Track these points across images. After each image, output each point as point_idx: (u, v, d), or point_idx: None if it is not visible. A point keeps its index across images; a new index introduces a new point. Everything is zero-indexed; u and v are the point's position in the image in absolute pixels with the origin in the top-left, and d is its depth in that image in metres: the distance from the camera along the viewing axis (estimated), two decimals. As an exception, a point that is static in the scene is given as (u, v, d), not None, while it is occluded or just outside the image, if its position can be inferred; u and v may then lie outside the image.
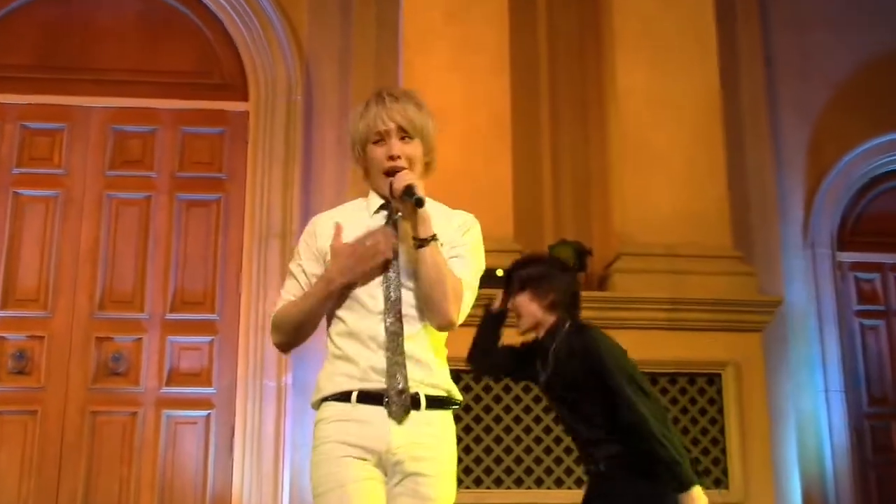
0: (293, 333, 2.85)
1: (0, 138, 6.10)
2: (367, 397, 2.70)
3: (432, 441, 2.74)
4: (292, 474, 5.64)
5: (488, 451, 5.19)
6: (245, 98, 6.24)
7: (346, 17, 6.34)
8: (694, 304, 5.36)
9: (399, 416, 2.69)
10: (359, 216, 2.89)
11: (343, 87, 6.23)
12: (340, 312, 2.80)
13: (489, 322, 3.79)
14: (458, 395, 2.85)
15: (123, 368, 5.82)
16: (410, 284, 2.77)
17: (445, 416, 2.80)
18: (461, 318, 2.78)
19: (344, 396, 2.73)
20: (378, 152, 2.83)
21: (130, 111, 6.20)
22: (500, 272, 3.78)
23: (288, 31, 6.30)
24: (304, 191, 6.03)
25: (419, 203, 2.69)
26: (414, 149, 2.84)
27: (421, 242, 2.71)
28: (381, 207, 2.87)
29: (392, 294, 2.76)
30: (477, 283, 2.86)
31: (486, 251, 5.10)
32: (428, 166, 2.89)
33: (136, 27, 6.36)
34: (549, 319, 3.58)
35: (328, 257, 2.82)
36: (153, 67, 6.29)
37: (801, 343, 6.22)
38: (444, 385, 2.79)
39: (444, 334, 2.82)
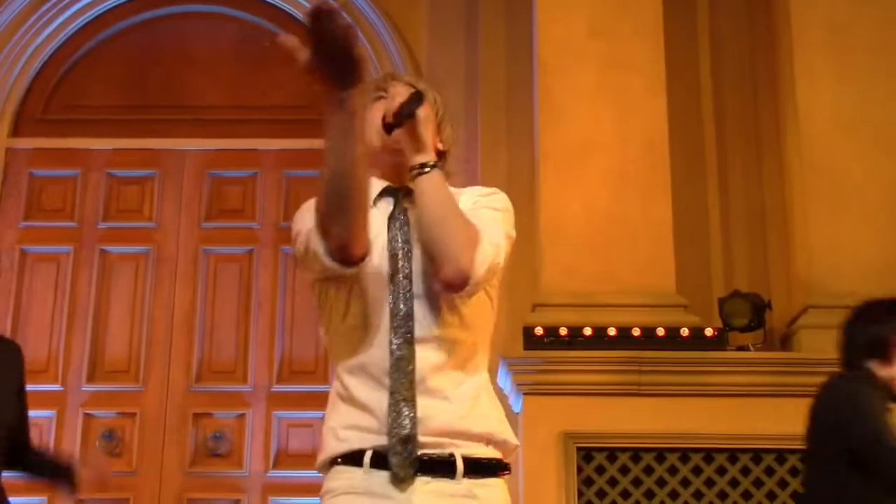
0: (337, 205, 2.00)
1: (84, 189, 5.73)
2: (384, 459, 2.02)
3: None
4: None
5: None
6: (358, 133, 5.72)
7: (471, 35, 5.72)
8: (901, 366, 4.60)
9: (404, 474, 2.00)
10: None
11: (471, 118, 5.58)
12: (345, 335, 2.13)
13: None
14: (510, 452, 2.14)
15: (225, 449, 5.39)
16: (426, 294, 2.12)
17: (496, 488, 2.09)
18: (480, 279, 2.07)
19: (355, 458, 2.05)
20: (376, 110, 2.17)
21: (228, 154, 5.78)
22: None
23: (405, 53, 5.75)
24: (426, 237, 5.51)
25: (410, 114, 2.06)
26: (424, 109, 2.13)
27: (419, 170, 2.08)
28: (384, 193, 2.20)
29: (402, 306, 2.08)
30: (502, 250, 2.15)
31: (643, 306, 4.46)
32: (441, 155, 2.22)
33: (232, 58, 5.94)
34: None
35: None
36: (253, 103, 5.85)
37: None
38: (494, 435, 2.10)
39: (484, 368, 2.15)
